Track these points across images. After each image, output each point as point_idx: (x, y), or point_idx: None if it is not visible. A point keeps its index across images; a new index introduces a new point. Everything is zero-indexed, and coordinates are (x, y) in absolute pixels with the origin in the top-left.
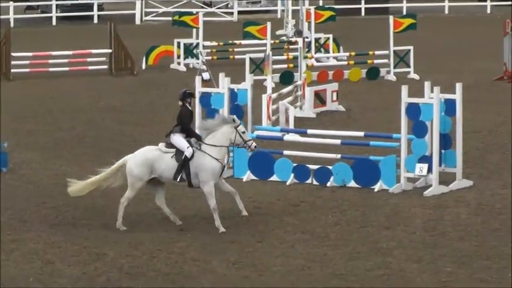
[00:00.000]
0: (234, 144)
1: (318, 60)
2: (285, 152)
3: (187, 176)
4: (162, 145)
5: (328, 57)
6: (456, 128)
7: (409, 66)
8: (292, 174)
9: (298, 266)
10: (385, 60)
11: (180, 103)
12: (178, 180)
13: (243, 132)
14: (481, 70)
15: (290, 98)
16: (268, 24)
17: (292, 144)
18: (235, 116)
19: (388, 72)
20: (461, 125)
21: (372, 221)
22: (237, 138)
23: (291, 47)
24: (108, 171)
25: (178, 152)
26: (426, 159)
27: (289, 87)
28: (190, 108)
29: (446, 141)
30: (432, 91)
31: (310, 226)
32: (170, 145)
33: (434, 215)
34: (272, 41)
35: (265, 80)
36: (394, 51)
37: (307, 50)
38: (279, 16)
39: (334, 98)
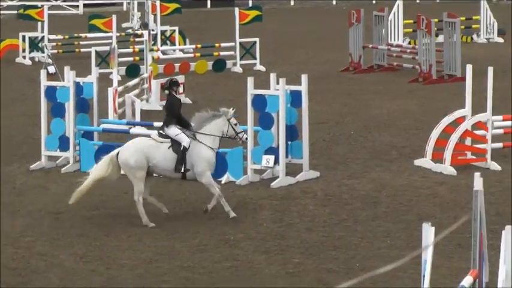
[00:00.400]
0: (226, 135)
1: (164, 52)
2: None
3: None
4: (154, 135)
5: (174, 50)
6: (302, 120)
7: (255, 58)
8: None
9: (146, 259)
10: (231, 53)
11: (167, 92)
12: (182, 171)
13: (235, 124)
14: (327, 61)
15: (136, 91)
16: (114, 17)
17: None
18: (227, 109)
19: (235, 64)
20: (308, 116)
21: (219, 213)
22: (230, 130)
23: (136, 39)
24: (97, 169)
25: (175, 143)
26: (273, 150)
27: (136, 80)
28: (176, 96)
29: (293, 132)
30: (278, 83)
31: (158, 219)
32: (163, 135)
33: (282, 206)
34: (118, 34)
35: (111, 73)
36: (240, 43)
37: (153, 42)
38: (124, 9)
39: (181, 90)
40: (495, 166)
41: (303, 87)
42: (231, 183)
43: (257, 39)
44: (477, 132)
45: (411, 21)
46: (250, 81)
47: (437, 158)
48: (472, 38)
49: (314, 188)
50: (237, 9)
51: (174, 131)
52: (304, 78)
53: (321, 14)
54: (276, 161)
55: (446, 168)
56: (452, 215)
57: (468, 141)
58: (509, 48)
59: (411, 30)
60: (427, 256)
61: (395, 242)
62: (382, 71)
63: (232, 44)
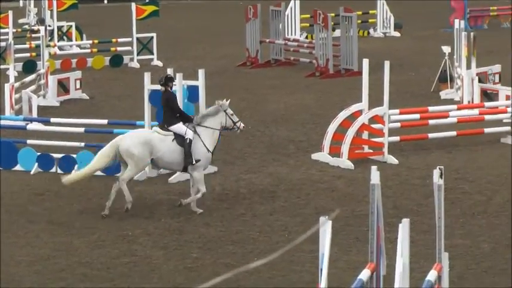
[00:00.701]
0: (225, 127)
1: (61, 48)
2: (29, 141)
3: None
4: (157, 128)
5: (71, 46)
6: None
7: (152, 53)
8: (36, 163)
9: (44, 255)
10: (128, 48)
11: (163, 88)
12: (193, 163)
13: (232, 114)
14: (224, 56)
15: (33, 87)
16: (10, 13)
17: (35, 133)
18: (221, 101)
19: (132, 59)
20: None
21: (117, 208)
22: (228, 120)
23: (33, 35)
24: (99, 155)
25: (178, 136)
26: None
27: (32, 76)
28: (171, 91)
29: None
30: (175, 78)
31: (55, 215)
32: (166, 129)
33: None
34: (14, 30)
35: (8, 69)
36: (137, 39)
37: (49, 38)
38: (21, 4)
39: (78, 86)
40: (392, 160)
41: (200, 82)
42: None
43: (154, 35)
44: (374, 126)
45: (308, 15)
46: (147, 76)
47: (335, 152)
48: (368, 32)
49: (212, 182)
50: (133, 5)
51: (179, 128)
52: (201, 73)
53: (218, 9)
54: None
55: (344, 162)
56: (350, 208)
57: (365, 135)
58: (405, 42)
59: (308, 24)
60: (325, 250)
61: (293, 236)
62: (279, 66)
63: (129, 39)
